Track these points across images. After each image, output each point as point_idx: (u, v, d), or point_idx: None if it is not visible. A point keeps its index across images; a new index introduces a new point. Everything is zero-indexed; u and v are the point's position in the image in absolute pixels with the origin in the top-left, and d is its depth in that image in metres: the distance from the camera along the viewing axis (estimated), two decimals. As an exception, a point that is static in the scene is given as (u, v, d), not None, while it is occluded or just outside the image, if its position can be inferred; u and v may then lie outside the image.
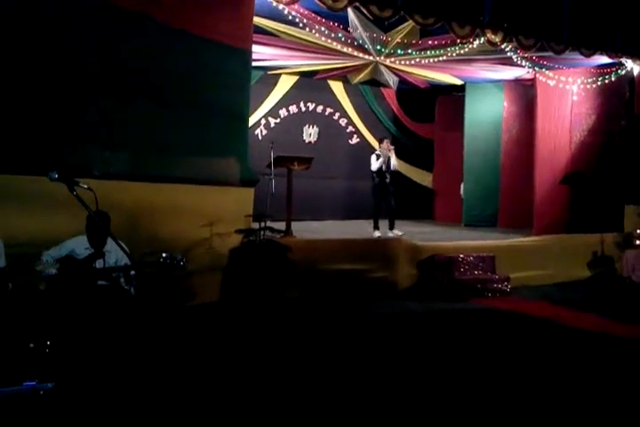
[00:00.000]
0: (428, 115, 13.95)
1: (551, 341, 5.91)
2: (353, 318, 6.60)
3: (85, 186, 3.49)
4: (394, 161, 9.46)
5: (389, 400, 4.17)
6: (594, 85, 10.56)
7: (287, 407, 3.98)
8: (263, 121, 11.93)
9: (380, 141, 9.87)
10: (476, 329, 6.36)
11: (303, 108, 12.55)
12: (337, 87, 12.89)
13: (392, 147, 9.53)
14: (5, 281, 4.37)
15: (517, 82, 12.02)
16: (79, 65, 6.09)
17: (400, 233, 9.29)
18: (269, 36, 9.13)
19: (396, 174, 9.62)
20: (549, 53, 9.34)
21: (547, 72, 10.52)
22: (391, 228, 9.51)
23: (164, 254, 4.18)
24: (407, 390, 4.39)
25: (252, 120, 10.16)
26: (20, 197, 5.46)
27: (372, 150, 12.82)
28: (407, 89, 13.05)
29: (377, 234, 9.36)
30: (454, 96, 13.28)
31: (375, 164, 9.42)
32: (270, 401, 4.07)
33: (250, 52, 7.43)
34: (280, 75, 11.97)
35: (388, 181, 9.47)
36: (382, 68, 11.24)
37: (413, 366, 4.97)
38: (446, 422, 3.84)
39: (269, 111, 12.00)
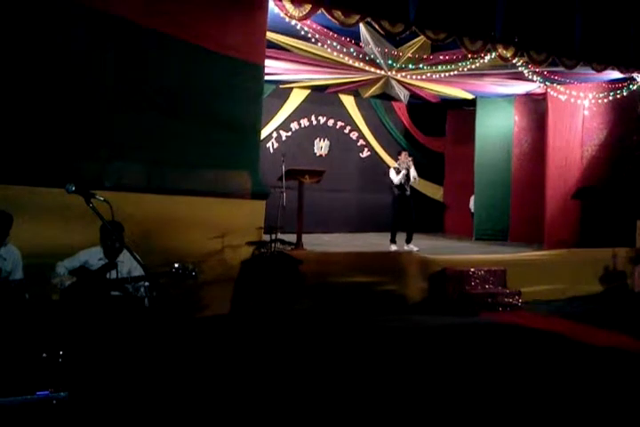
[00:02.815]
0: (439, 129, 14.00)
1: (562, 356, 5.87)
2: (363, 332, 6.59)
3: (102, 198, 3.53)
4: (413, 173, 9.49)
5: (395, 415, 4.16)
6: (605, 100, 10.56)
7: (294, 421, 3.99)
8: (275, 134, 12.01)
9: (398, 154, 9.92)
10: (487, 344, 6.33)
11: (314, 122, 12.63)
12: (348, 101, 12.97)
13: (410, 158, 9.55)
14: (23, 292, 4.42)
15: (528, 96, 12.04)
16: (94, 79, 6.19)
17: (416, 248, 9.28)
18: (282, 51, 9.22)
19: (410, 187, 9.64)
20: (561, 68, 9.36)
21: (558, 87, 10.55)
22: (408, 241, 9.52)
23: (176, 265, 4.21)
24: (415, 404, 4.38)
25: (263, 133, 10.24)
26: (36, 208, 5.51)
27: (383, 164, 13.00)
28: (418, 103, 13.10)
29: (393, 248, 9.35)
30: (465, 110, 13.32)
31: (396, 177, 9.44)
32: (276, 414, 4.08)
33: (262, 67, 7.49)
34: (292, 89, 12.06)
35: (408, 193, 9.50)
36: (393, 83, 11.29)
37: (422, 381, 4.96)
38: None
39: (281, 124, 12.09)
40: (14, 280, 4.47)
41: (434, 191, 13.99)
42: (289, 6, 7.27)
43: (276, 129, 12.03)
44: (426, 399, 4.47)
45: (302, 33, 8.34)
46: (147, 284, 4.50)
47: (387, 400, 4.40)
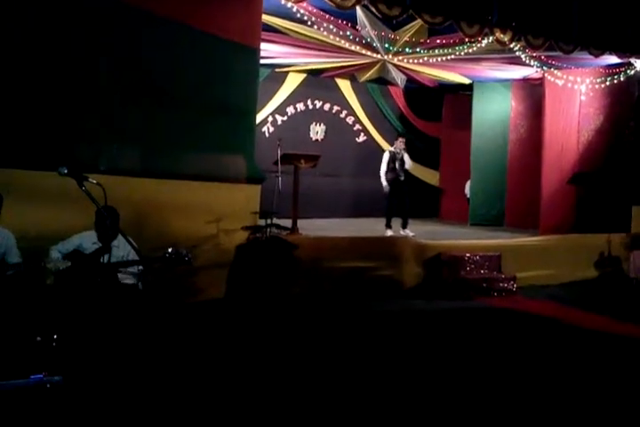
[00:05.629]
0: (436, 113, 13.94)
1: (556, 340, 5.91)
2: (358, 316, 6.62)
3: (94, 181, 3.50)
4: (407, 160, 9.48)
5: (389, 398, 4.18)
6: (602, 85, 10.52)
7: (288, 405, 4.00)
8: (270, 118, 11.94)
9: (396, 138, 9.92)
10: (481, 328, 6.37)
11: (310, 106, 12.55)
12: (344, 85, 12.88)
13: (404, 147, 9.55)
14: (19, 276, 4.39)
15: (525, 81, 11.98)
16: (88, 63, 6.13)
17: (412, 234, 9.28)
18: (278, 34, 9.12)
19: (404, 173, 9.62)
20: (558, 53, 9.30)
21: (555, 71, 10.49)
22: (404, 226, 9.53)
23: (169, 249, 4.18)
24: (408, 388, 4.40)
25: (259, 117, 10.16)
26: (30, 192, 5.48)
27: (379, 148, 12.94)
28: (415, 87, 13.03)
29: (389, 233, 9.36)
30: (462, 95, 13.25)
31: (383, 166, 9.46)
32: (271, 398, 4.09)
33: (258, 50, 7.44)
34: (288, 72, 11.97)
35: (402, 179, 9.49)
36: (390, 67, 11.22)
37: (416, 365, 4.98)
38: (446, 422, 3.84)
39: (277, 109, 12.00)
40: (11, 264, 4.45)
41: (430, 176, 13.95)
42: (285, -12, 7.20)
43: (272, 113, 11.95)
44: (420, 383, 4.49)
45: (298, 16, 8.25)
46: (141, 268, 4.48)
47: (381, 384, 4.42)
